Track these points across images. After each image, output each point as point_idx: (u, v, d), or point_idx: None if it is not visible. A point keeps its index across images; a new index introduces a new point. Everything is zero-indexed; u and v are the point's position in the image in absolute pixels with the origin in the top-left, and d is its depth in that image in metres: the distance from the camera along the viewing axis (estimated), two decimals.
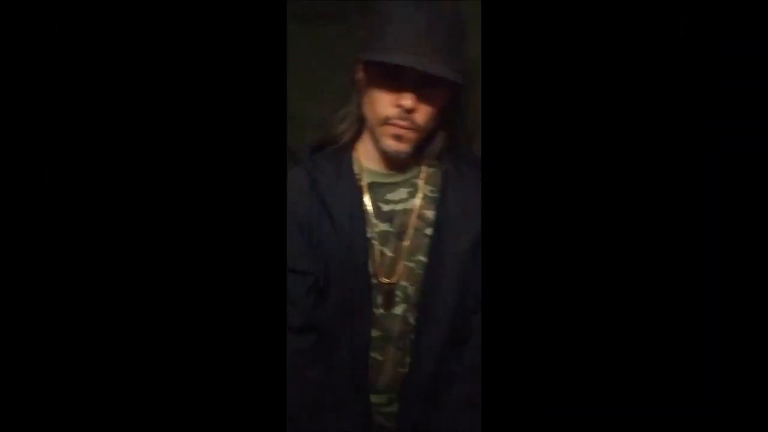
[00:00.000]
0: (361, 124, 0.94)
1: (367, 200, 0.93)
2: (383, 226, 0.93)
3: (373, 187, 0.94)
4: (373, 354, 0.93)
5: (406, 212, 0.93)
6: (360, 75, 0.91)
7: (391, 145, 0.88)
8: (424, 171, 0.94)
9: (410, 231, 0.93)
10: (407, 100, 0.85)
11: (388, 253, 0.92)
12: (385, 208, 0.93)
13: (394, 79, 0.85)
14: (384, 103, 0.87)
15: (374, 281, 0.92)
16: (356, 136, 0.96)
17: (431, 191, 0.94)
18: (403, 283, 0.92)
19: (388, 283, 0.91)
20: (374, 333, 0.92)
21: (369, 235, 0.92)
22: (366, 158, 0.95)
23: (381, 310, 0.92)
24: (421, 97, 0.86)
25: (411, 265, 0.92)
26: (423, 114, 0.87)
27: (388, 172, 0.95)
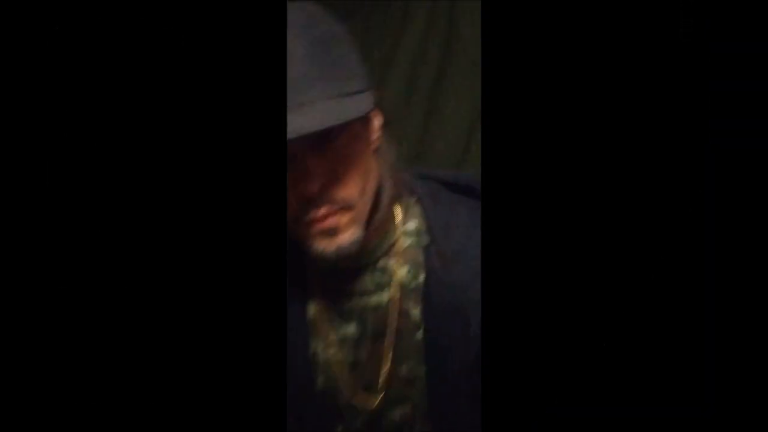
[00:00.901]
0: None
1: (313, 303, 0.68)
2: (347, 329, 0.68)
3: (326, 279, 0.69)
4: None
5: (379, 309, 0.68)
6: None
7: (326, 246, 0.62)
8: (398, 243, 0.68)
9: (390, 334, 0.67)
10: (310, 184, 0.60)
11: (360, 360, 0.68)
12: (346, 304, 0.68)
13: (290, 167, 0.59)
14: (289, 205, 0.61)
15: (350, 402, 0.68)
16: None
17: (409, 274, 0.68)
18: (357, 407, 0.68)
19: (371, 410, 0.67)
20: None
21: (318, 348, 0.68)
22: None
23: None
24: (329, 167, 0.60)
25: (403, 376, 0.68)
26: (345, 184, 0.61)
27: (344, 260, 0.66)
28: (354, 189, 0.62)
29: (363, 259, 0.68)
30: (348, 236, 0.62)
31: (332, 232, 0.62)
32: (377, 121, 0.65)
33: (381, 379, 0.67)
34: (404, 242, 0.68)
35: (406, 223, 0.70)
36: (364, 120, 0.62)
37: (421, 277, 0.68)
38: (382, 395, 0.66)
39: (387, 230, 0.68)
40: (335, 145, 0.61)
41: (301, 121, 0.58)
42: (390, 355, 0.67)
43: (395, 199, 0.68)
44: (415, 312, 0.68)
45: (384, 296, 0.68)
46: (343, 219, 0.62)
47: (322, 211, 0.61)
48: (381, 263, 0.69)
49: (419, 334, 0.68)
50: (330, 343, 0.68)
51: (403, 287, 0.68)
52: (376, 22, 1.44)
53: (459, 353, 0.66)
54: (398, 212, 0.69)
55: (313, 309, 0.69)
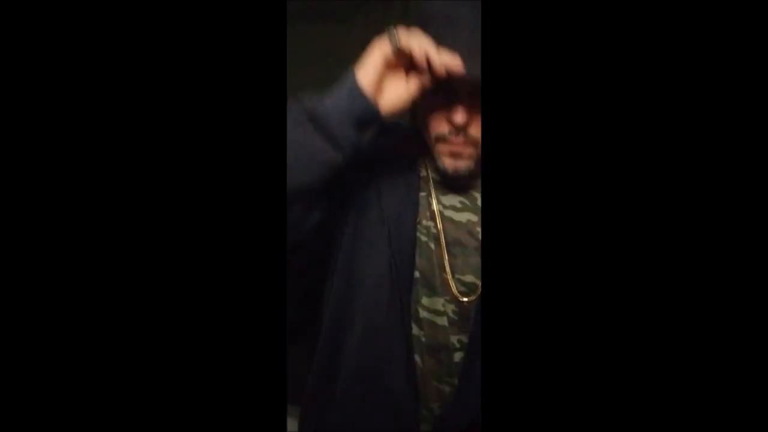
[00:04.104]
0: (422, 142, 0.87)
1: (421, 191, 0.87)
2: (429, 224, 0.87)
3: (429, 181, 0.88)
4: (414, 356, 0.86)
5: (456, 223, 0.87)
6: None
7: (448, 164, 0.82)
8: None
9: (457, 245, 0.86)
10: (458, 115, 0.78)
11: (432, 256, 0.85)
12: (435, 206, 0.87)
13: (443, 92, 0.78)
14: (435, 121, 0.81)
15: (417, 275, 0.85)
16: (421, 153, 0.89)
17: None
18: (446, 296, 0.86)
19: (464, 302, 0.84)
20: (417, 334, 0.86)
21: (417, 223, 0.86)
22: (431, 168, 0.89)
23: (426, 313, 0.86)
24: (475, 109, 0.79)
25: (456, 283, 0.86)
26: (479, 127, 0.80)
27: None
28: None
29: (462, 182, 0.87)
30: (464, 164, 0.82)
31: (457, 156, 0.81)
32: None
33: (439, 281, 0.85)
34: None
35: None
36: None
37: None
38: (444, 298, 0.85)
39: None
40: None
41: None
42: (448, 261, 0.85)
43: None
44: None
45: (462, 216, 0.87)
46: (467, 150, 0.81)
47: (458, 139, 0.80)
48: (471, 192, 0.88)
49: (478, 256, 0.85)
50: (421, 227, 0.86)
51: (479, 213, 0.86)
52: (376, 21, 1.44)
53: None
54: None
55: (421, 195, 0.88)
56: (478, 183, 0.87)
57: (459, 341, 0.86)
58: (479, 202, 0.87)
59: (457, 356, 0.85)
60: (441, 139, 0.81)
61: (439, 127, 0.81)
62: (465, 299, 0.85)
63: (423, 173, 0.89)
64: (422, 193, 0.88)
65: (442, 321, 0.85)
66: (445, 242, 0.86)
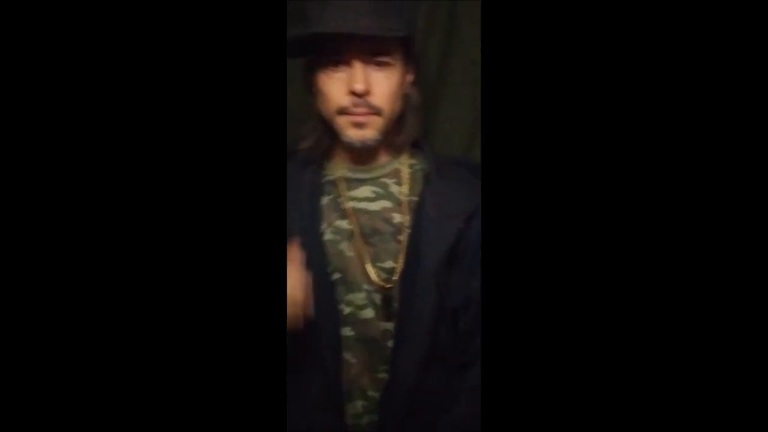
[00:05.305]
0: (328, 129, 0.86)
1: (326, 195, 0.88)
2: (341, 224, 0.87)
3: (338, 182, 0.89)
4: (345, 355, 0.86)
5: (371, 213, 0.88)
6: (307, 71, 0.85)
7: (353, 134, 0.83)
8: (402, 171, 0.89)
9: (375, 234, 0.87)
10: (358, 83, 0.80)
11: (348, 253, 0.86)
12: (346, 204, 0.88)
13: (339, 61, 0.80)
14: (334, 95, 0.82)
15: (337, 276, 0.87)
16: (330, 144, 0.89)
17: (404, 194, 0.88)
18: (367, 286, 0.87)
19: (383, 288, 0.85)
20: (346, 332, 0.87)
21: (323, 229, 0.87)
22: (339, 156, 0.90)
23: (350, 309, 0.87)
24: (374, 76, 0.81)
25: (378, 271, 0.87)
26: (380, 95, 0.82)
27: (358, 167, 0.89)
28: (385, 102, 0.82)
29: (369, 173, 0.88)
30: (370, 133, 0.82)
31: (361, 126, 0.82)
32: (410, 75, 0.86)
33: (360, 275, 0.86)
34: (406, 170, 0.88)
35: (413, 159, 0.90)
36: (405, 67, 0.84)
37: (414, 196, 0.87)
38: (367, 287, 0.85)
39: (399, 153, 0.89)
40: (383, 69, 0.81)
41: (365, 24, 0.76)
42: (368, 250, 0.86)
43: (411, 135, 0.88)
44: (398, 218, 0.87)
45: (375, 205, 0.88)
46: (371, 120, 0.82)
47: (360, 109, 0.81)
48: (382, 180, 0.89)
49: (400, 236, 0.86)
50: (332, 230, 0.87)
51: (394, 200, 0.87)
52: None
53: (432, 254, 0.84)
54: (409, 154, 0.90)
55: (325, 200, 0.89)
56: (389, 170, 0.89)
57: (386, 330, 0.87)
58: (392, 189, 0.89)
59: (390, 344, 0.87)
60: (342, 111, 0.82)
61: (339, 100, 0.82)
62: (388, 285, 0.86)
63: (330, 177, 0.90)
64: (328, 197, 0.89)
65: (367, 314, 0.87)
66: (363, 234, 0.87)
